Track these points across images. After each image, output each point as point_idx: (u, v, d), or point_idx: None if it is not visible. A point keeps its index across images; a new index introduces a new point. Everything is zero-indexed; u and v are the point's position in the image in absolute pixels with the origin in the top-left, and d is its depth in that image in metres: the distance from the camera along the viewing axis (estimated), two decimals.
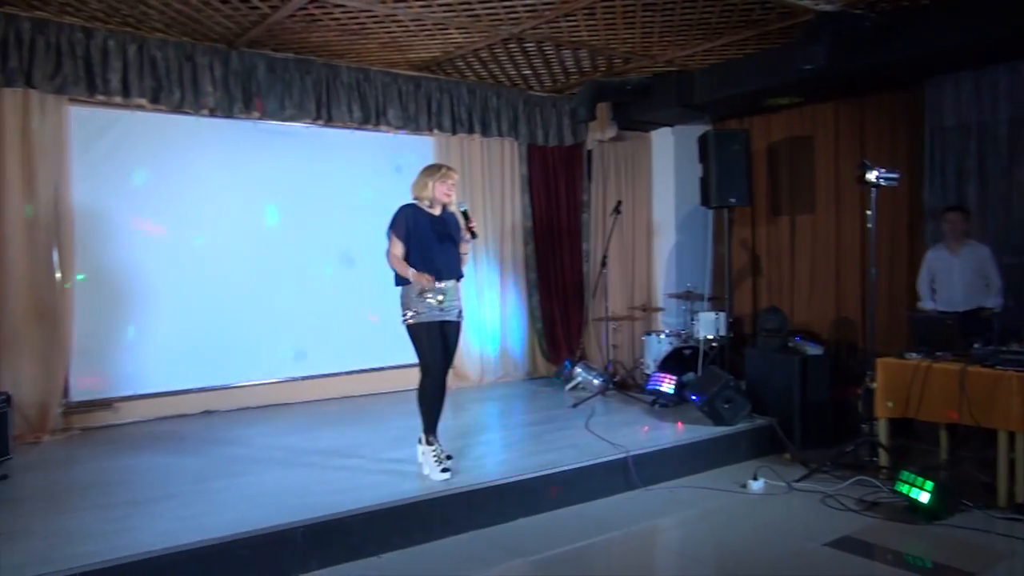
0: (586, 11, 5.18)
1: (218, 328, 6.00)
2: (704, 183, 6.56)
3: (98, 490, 4.09)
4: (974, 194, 5.79)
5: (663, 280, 7.87)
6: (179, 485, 4.15)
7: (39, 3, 4.95)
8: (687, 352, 6.66)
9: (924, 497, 4.10)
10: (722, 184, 6.38)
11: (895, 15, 5.22)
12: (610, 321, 7.21)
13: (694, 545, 3.92)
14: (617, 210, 6.89)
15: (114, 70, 5.35)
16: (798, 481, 4.70)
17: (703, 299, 7.26)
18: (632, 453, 4.65)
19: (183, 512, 3.70)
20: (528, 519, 4.16)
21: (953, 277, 5.41)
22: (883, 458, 4.79)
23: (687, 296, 7.08)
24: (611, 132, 7.55)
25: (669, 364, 6.55)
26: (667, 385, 6.11)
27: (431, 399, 4.25)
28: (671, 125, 7.79)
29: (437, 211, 4.32)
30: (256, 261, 6.19)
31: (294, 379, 6.38)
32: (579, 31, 5.62)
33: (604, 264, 6.83)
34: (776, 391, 5.57)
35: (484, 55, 6.24)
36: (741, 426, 5.35)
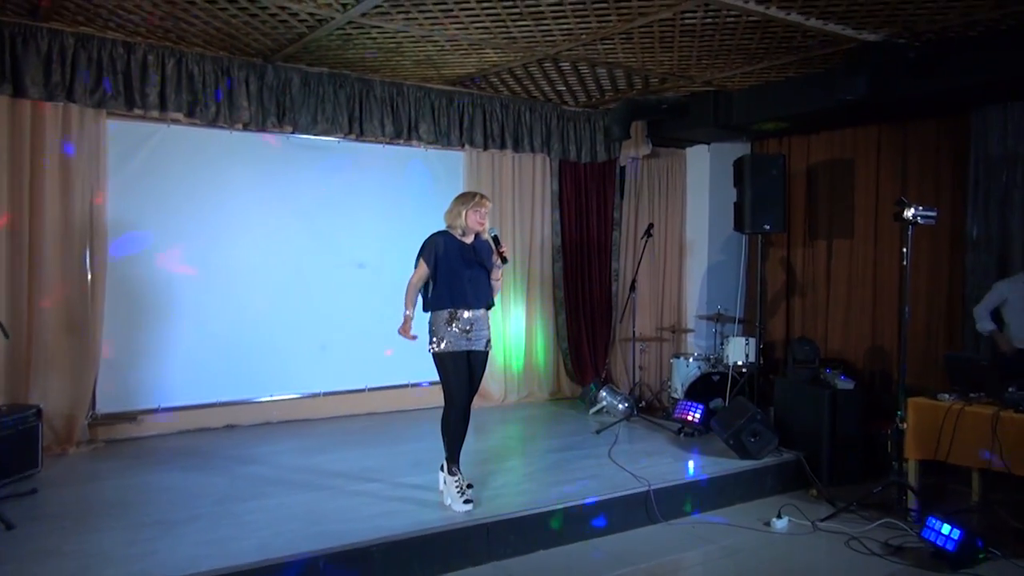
0: (623, 36, 5.25)
1: (242, 342, 6.15)
2: (738, 208, 6.56)
3: (123, 509, 4.26)
4: (1019, 225, 5.76)
5: (694, 301, 7.89)
6: (203, 506, 4.30)
7: (84, 19, 5.14)
8: (716, 378, 6.68)
9: (950, 545, 4.12)
10: (757, 210, 6.39)
11: (940, 45, 5.21)
12: (637, 342, 7.25)
13: None
14: (648, 233, 6.93)
15: (152, 84, 5.53)
16: (823, 520, 4.73)
17: (734, 322, 7.27)
18: (654, 486, 4.72)
19: (207, 536, 3.85)
20: (548, 551, 4.24)
21: None
22: (911, 501, 4.80)
23: (718, 318, 7.09)
24: (645, 150, 7.59)
25: (697, 389, 6.58)
26: (694, 413, 6.16)
27: (454, 429, 4.35)
28: (707, 142, 7.81)
29: (469, 239, 4.43)
30: (283, 275, 6.33)
31: (316, 395, 6.52)
32: (616, 53, 5.68)
33: (633, 289, 6.87)
34: (805, 424, 5.59)
35: (519, 72, 6.33)
36: (767, 460, 5.38)
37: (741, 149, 7.73)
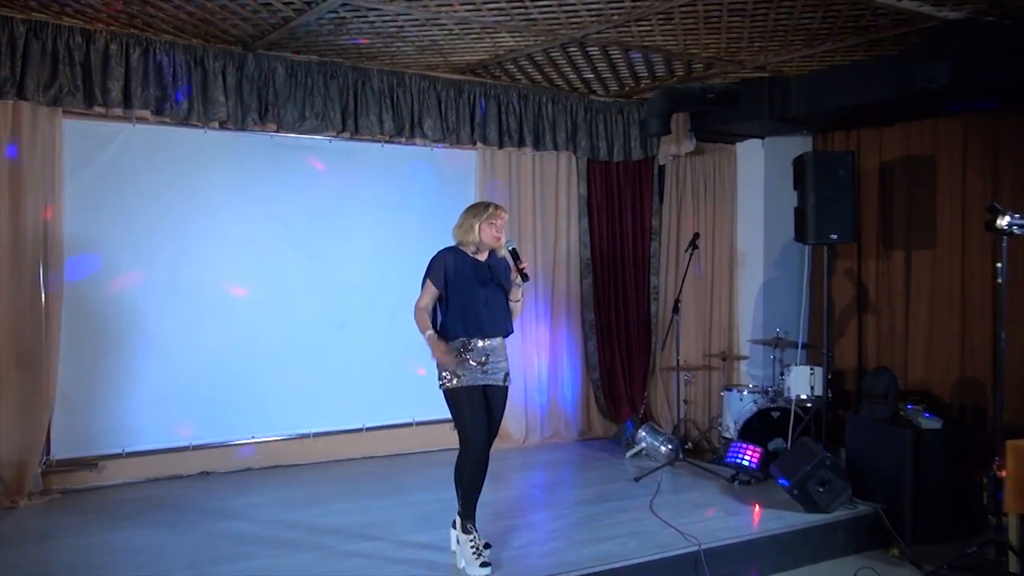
0: (662, 16, 5.25)
1: (219, 376, 6.16)
2: (800, 214, 6.51)
3: (82, 573, 4.24)
4: None
5: (747, 323, 7.83)
6: (174, 570, 4.30)
7: (37, 4, 5.20)
8: (775, 414, 6.63)
9: None
10: (822, 217, 6.32)
11: None
12: (682, 371, 7.21)
13: None
14: (693, 244, 6.89)
15: (115, 78, 5.59)
16: None
17: (796, 347, 7.20)
18: (705, 545, 4.67)
19: None
20: None
21: None
22: (1013, 563, 4.72)
23: (776, 343, 7.04)
24: (688, 146, 7.56)
25: (753, 427, 6.54)
26: (750, 457, 6.11)
27: (471, 477, 4.33)
28: (761, 137, 7.80)
29: (483, 257, 4.44)
30: (266, 297, 6.36)
31: (306, 436, 6.53)
32: (653, 35, 5.69)
33: (676, 311, 6.83)
34: (883, 471, 5.53)
35: (539, 58, 6.35)
36: (839, 514, 5.32)
37: (801, 144, 7.68)
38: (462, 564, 4.29)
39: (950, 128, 6.84)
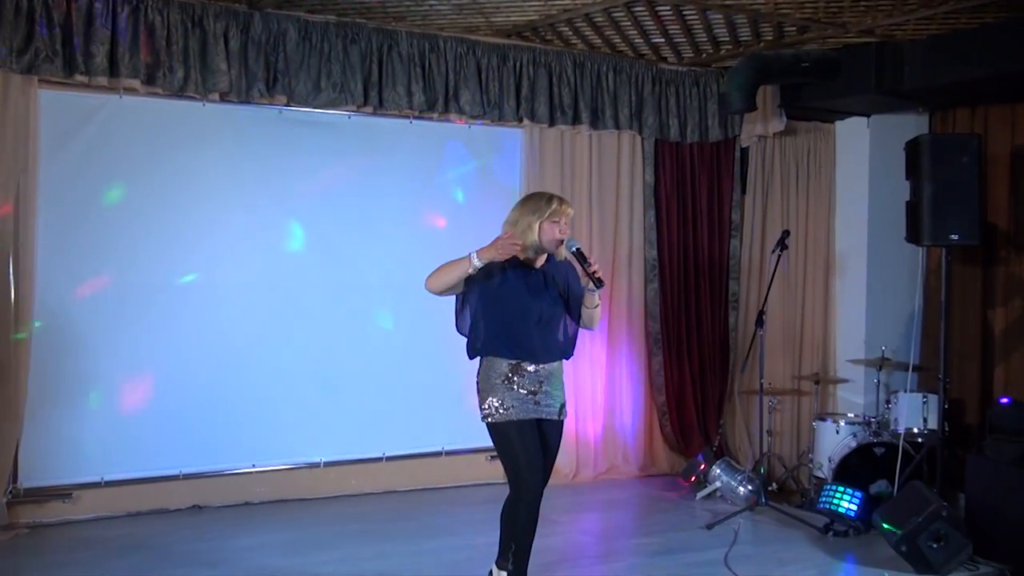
0: None
1: (215, 393, 6.17)
2: (913, 209, 6.40)
3: None
4: None
5: (846, 339, 7.77)
6: None
7: None
8: (879, 451, 6.55)
9: None
10: (940, 213, 6.20)
11: None
12: (766, 396, 7.13)
13: None
14: (782, 243, 6.78)
15: (99, 41, 5.62)
16: None
17: (906, 370, 7.07)
18: None
19: None
20: None
21: None
22: None
23: (881, 364, 6.97)
24: (777, 125, 7.51)
25: (852, 466, 6.47)
26: (848, 502, 6.01)
27: (523, 526, 4.21)
28: (866, 114, 7.70)
29: (540, 262, 4.30)
30: (271, 300, 6.37)
31: (315, 465, 6.54)
32: None
33: (761, 324, 6.73)
34: (1012, 523, 5.40)
35: (599, 18, 6.31)
36: (958, 575, 5.23)
37: (915, 125, 7.58)
38: None
39: None
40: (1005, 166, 7.20)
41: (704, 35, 6.69)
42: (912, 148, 6.46)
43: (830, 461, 6.62)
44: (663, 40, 6.86)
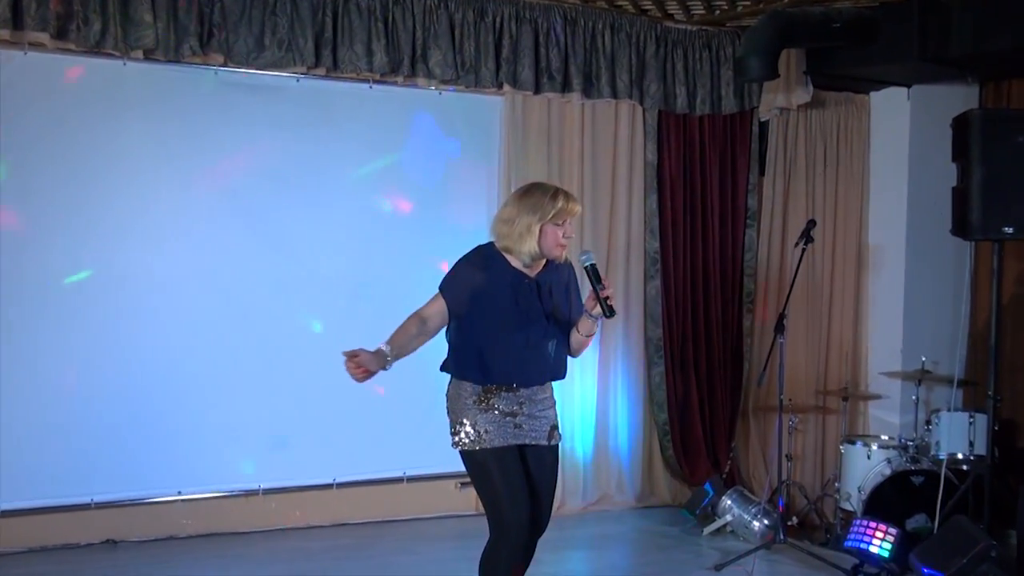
0: None
1: (134, 407, 6.13)
2: (960, 198, 6.41)
3: None
4: None
5: (880, 348, 7.82)
6: None
7: None
8: (918, 480, 6.56)
9: None
10: (992, 202, 6.21)
11: None
12: (786, 415, 7.09)
13: None
14: (807, 236, 6.76)
15: None
16: None
17: (950, 385, 7.12)
18: None
19: None
20: None
21: None
22: None
23: (921, 378, 6.99)
24: (802, 96, 7.49)
25: (885, 498, 6.49)
26: (880, 540, 5.98)
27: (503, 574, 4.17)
28: (907, 84, 7.71)
29: (535, 271, 4.21)
30: (200, 298, 6.34)
31: (253, 493, 6.51)
32: None
33: (781, 329, 6.70)
34: None
35: None
36: None
37: (964, 97, 7.62)
38: None
39: None
40: None
41: None
42: (960, 124, 6.46)
43: (860, 491, 6.64)
44: None
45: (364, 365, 4.05)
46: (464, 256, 4.22)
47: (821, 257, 7.79)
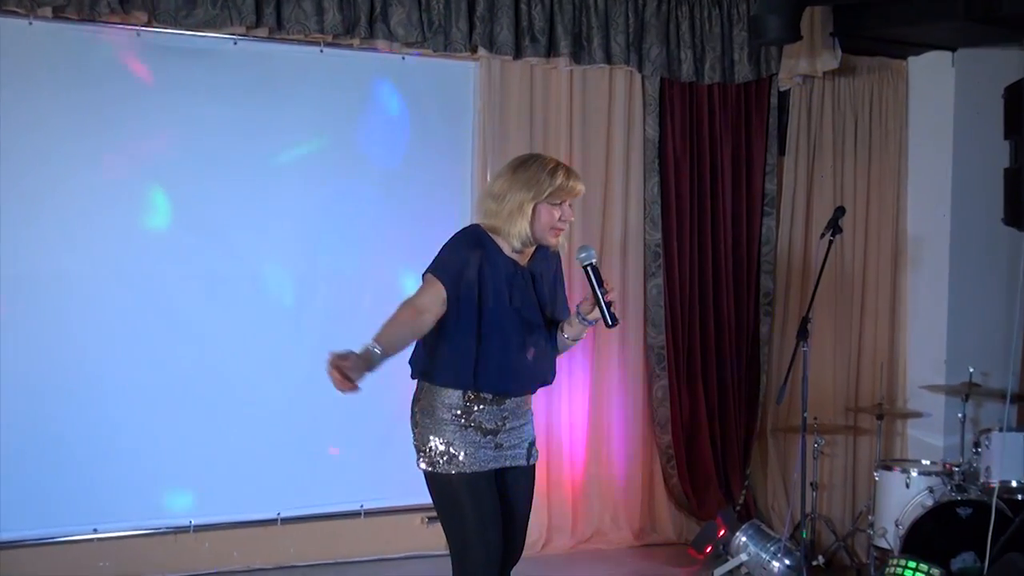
0: None
1: (39, 432, 6.12)
2: (1014, 180, 6.44)
3: None
4: None
5: (921, 357, 7.87)
6: None
7: None
8: (964, 511, 6.57)
9: None
10: None
11: None
12: (811, 436, 7.09)
13: None
14: (835, 226, 6.76)
15: None
16: None
17: (1002, 401, 7.12)
18: None
19: None
20: None
21: None
22: None
23: (969, 392, 7.04)
24: (829, 61, 7.56)
25: (927, 532, 6.51)
26: None
27: None
28: (951, 48, 7.75)
29: (525, 258, 4.23)
30: (121, 298, 6.33)
31: (183, 530, 6.51)
32: None
33: (804, 336, 6.69)
34: None
35: None
36: None
37: (1018, 63, 7.61)
38: None
39: None
40: None
41: None
42: (1014, 95, 6.53)
43: (898, 526, 6.65)
44: None
45: (350, 373, 3.76)
46: (454, 237, 4.20)
47: (851, 250, 7.84)
